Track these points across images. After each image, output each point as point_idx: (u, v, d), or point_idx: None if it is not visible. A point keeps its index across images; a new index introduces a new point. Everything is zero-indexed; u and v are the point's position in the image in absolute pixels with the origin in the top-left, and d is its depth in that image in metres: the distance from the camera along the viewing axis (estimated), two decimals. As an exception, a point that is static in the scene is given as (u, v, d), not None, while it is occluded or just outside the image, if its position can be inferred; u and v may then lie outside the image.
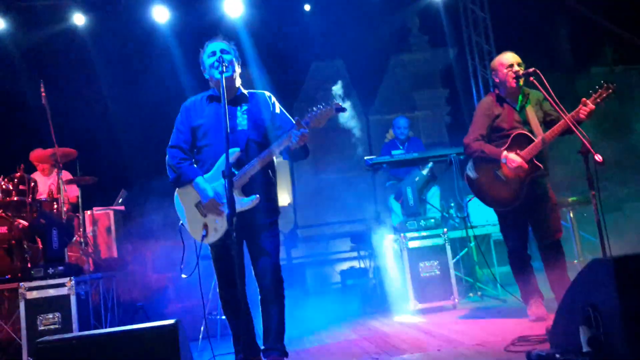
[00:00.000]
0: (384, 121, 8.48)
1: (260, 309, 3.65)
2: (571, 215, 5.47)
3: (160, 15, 8.27)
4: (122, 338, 2.66)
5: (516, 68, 4.40)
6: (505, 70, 4.44)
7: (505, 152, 4.32)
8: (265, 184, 3.61)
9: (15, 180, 5.61)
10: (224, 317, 3.79)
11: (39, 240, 5.45)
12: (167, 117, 3.87)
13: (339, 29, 9.11)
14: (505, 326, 4.26)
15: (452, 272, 5.50)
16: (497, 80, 4.55)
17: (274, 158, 3.71)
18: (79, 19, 8.20)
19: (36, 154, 6.65)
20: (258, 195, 3.44)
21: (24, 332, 4.69)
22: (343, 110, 3.41)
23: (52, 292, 4.80)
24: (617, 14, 8.92)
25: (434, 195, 6.74)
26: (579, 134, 3.92)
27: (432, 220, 5.70)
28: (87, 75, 8.40)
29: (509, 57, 4.47)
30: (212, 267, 3.70)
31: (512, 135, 4.36)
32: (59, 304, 4.78)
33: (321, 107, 3.40)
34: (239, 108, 3.67)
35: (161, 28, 8.32)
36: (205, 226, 3.49)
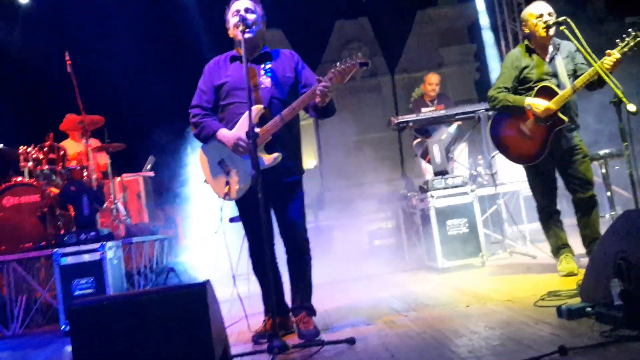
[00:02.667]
0: (411, 79, 8.33)
1: (287, 268, 3.68)
2: (603, 169, 5.34)
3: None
4: (152, 299, 2.70)
5: (546, 18, 4.26)
6: (535, 21, 4.31)
7: (528, 99, 4.24)
8: (289, 142, 3.58)
9: (45, 149, 5.71)
10: (253, 277, 3.82)
11: (70, 207, 5.56)
12: (193, 80, 3.85)
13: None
14: (534, 282, 4.22)
15: (480, 229, 5.46)
16: (527, 30, 4.43)
17: (300, 118, 3.68)
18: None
19: (65, 121, 6.73)
20: (280, 153, 3.42)
21: (60, 297, 4.83)
22: (366, 64, 3.34)
23: (85, 257, 4.90)
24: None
25: (461, 152, 6.65)
26: (610, 83, 3.80)
27: (460, 178, 5.64)
28: (112, 43, 8.42)
29: (540, 7, 4.33)
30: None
31: (537, 87, 4.26)
32: (93, 269, 4.88)
33: (345, 62, 3.36)
34: (262, 66, 3.63)
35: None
36: (228, 183, 3.50)
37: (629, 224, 2.74)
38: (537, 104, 4.21)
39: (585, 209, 4.33)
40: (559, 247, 4.44)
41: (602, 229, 3.10)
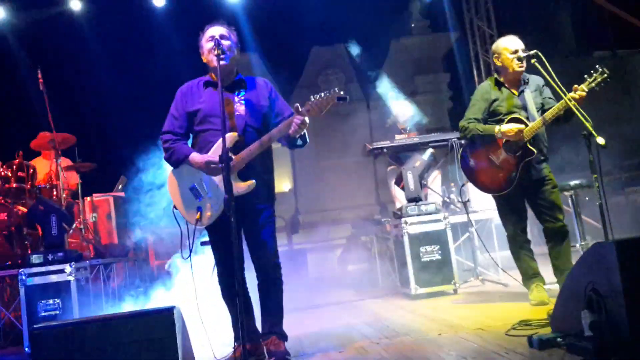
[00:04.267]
0: (385, 106, 8.41)
1: (258, 294, 3.63)
2: (573, 199, 5.43)
3: (158, -1, 8.19)
4: (119, 323, 2.65)
5: (521, 54, 4.35)
6: (510, 56, 4.39)
7: (498, 126, 4.31)
8: (263, 170, 3.57)
9: (14, 167, 5.60)
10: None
11: (38, 227, 5.44)
12: (166, 102, 3.82)
13: (340, 13, 9.03)
14: (506, 310, 4.24)
15: (453, 256, 5.49)
16: (498, 64, 4.50)
17: (272, 145, 3.67)
18: (75, 5, 8.13)
19: (38, 138, 6.63)
20: (254, 180, 3.40)
21: (24, 318, 4.70)
22: (344, 99, 3.34)
23: (52, 278, 4.80)
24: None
25: (434, 180, 6.71)
26: (579, 116, 3.88)
27: (433, 205, 5.68)
28: (85, 62, 8.36)
29: (514, 42, 4.41)
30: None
31: (507, 119, 4.34)
32: (60, 290, 4.78)
33: (322, 95, 3.34)
34: (236, 94, 3.62)
35: (159, 12, 8.25)
36: (200, 209, 3.46)
37: (598, 256, 2.77)
38: (508, 128, 4.27)
39: (557, 239, 4.37)
40: (530, 277, 4.47)
41: (573, 259, 3.13)
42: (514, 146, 4.31)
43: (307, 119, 3.35)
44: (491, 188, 4.51)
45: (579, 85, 4.07)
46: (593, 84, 4.08)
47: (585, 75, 4.10)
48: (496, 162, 4.41)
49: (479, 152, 4.50)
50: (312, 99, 3.34)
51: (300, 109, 3.34)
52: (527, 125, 4.26)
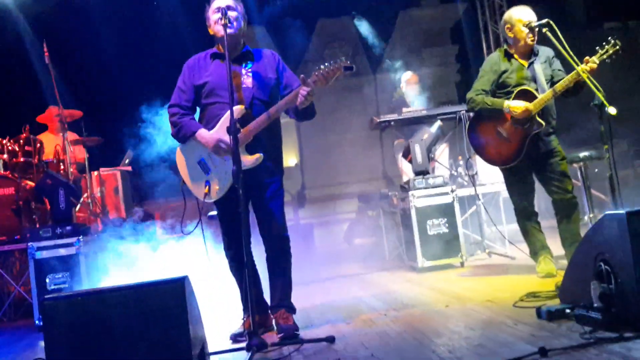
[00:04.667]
0: (392, 79, 8.32)
1: (267, 266, 3.65)
2: (582, 171, 5.39)
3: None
4: (129, 293, 2.65)
5: (532, 25, 4.28)
6: (523, 28, 4.31)
7: (507, 102, 4.27)
8: (270, 142, 3.55)
9: (21, 141, 5.59)
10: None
11: (46, 201, 5.45)
12: (173, 76, 3.80)
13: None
14: (514, 283, 4.24)
15: (460, 230, 5.48)
16: (510, 35, 4.42)
17: (280, 118, 3.65)
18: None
19: (47, 112, 6.62)
20: (261, 154, 3.39)
21: (34, 291, 4.75)
22: (351, 69, 3.30)
23: (60, 251, 4.82)
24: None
25: (442, 153, 6.67)
26: (592, 86, 3.83)
27: (441, 178, 5.65)
28: (91, 36, 8.29)
29: (528, 14, 4.34)
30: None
31: (517, 90, 4.29)
32: (68, 263, 4.81)
33: (329, 65, 3.30)
34: (243, 66, 3.59)
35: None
36: (208, 184, 3.46)
37: (609, 226, 2.75)
38: (516, 106, 4.23)
39: (565, 210, 4.34)
40: (538, 249, 4.46)
41: (582, 232, 3.12)
42: (522, 119, 4.27)
43: (314, 90, 3.32)
44: (499, 160, 4.47)
45: (590, 56, 4.01)
46: (604, 56, 4.01)
47: (597, 47, 4.04)
48: (504, 134, 4.37)
49: (487, 124, 4.46)
50: (319, 69, 3.31)
51: (306, 80, 3.31)
52: (536, 98, 4.21)
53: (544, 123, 4.24)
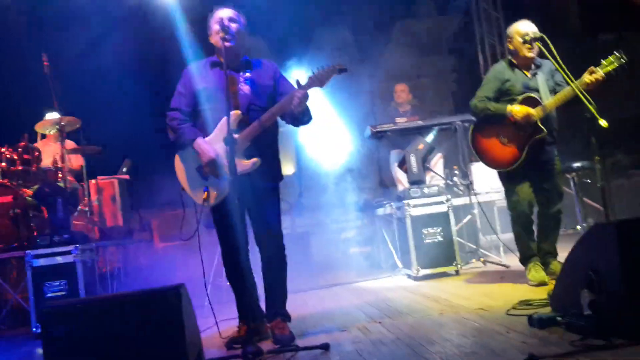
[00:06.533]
0: (390, 89, 8.39)
1: (262, 274, 3.68)
2: (575, 181, 5.45)
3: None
4: (126, 302, 2.69)
5: (529, 38, 4.37)
6: (520, 39, 4.42)
7: (510, 106, 4.34)
8: (267, 148, 3.61)
9: (20, 149, 5.63)
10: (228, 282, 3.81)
11: (44, 209, 5.49)
12: (171, 84, 3.85)
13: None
14: (507, 291, 4.29)
15: (455, 238, 5.54)
16: (511, 47, 4.55)
17: (278, 125, 3.71)
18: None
19: (42, 122, 6.65)
20: (258, 158, 3.44)
21: (31, 299, 4.76)
22: (345, 70, 3.40)
23: (58, 259, 4.85)
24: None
25: (437, 162, 6.73)
26: (584, 100, 3.90)
27: (436, 188, 5.71)
28: (90, 44, 8.33)
29: (526, 26, 4.46)
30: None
31: (522, 97, 4.37)
32: (65, 271, 4.83)
33: (323, 68, 3.40)
34: (242, 74, 3.66)
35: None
36: (207, 190, 3.50)
37: (599, 236, 2.81)
38: (519, 109, 4.31)
39: (548, 223, 4.50)
40: (528, 256, 4.51)
41: (573, 240, 3.16)
42: (524, 124, 4.33)
43: (308, 92, 3.38)
44: (499, 164, 4.53)
45: (595, 66, 4.07)
46: (609, 68, 4.07)
47: (602, 59, 4.09)
48: (505, 139, 4.44)
49: (489, 129, 4.53)
50: (314, 72, 3.40)
51: (300, 83, 3.38)
52: (540, 105, 4.29)
53: (545, 130, 4.31)
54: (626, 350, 2.42)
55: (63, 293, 4.81)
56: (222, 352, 3.45)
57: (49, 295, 4.79)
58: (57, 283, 4.83)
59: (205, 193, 3.49)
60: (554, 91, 4.43)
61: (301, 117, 3.56)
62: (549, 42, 4.15)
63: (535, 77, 4.46)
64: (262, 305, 3.75)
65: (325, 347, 3.15)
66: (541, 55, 4.38)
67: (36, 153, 5.74)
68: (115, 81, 8.27)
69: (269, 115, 3.47)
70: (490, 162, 4.58)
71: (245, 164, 3.42)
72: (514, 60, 4.55)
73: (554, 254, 4.52)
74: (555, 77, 4.49)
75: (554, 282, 3.69)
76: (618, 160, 8.06)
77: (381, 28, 10.00)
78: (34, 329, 4.68)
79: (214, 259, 5.33)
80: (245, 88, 3.60)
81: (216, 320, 3.71)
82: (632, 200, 7.22)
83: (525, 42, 4.38)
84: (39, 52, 5.76)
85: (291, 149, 10.09)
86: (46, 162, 6.04)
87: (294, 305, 3.80)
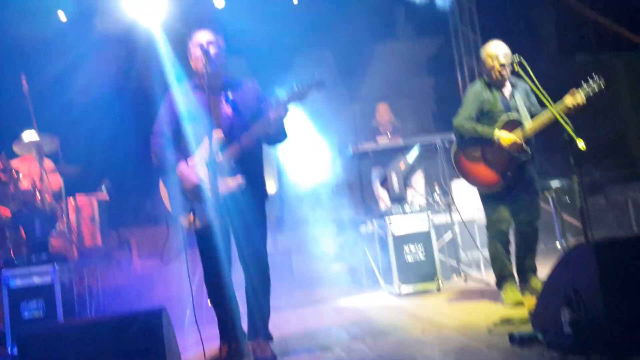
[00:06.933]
0: (370, 109, 8.46)
1: (245, 293, 3.66)
2: (554, 198, 5.53)
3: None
4: (106, 325, 2.66)
5: (501, 60, 4.42)
6: (491, 62, 4.47)
7: (497, 131, 4.36)
8: (253, 167, 3.61)
9: (-3, 169, 5.54)
10: (209, 304, 3.78)
11: (21, 228, 5.40)
12: (151, 101, 3.85)
13: (325, 18, 9.06)
14: (488, 308, 4.31)
15: (436, 256, 5.56)
16: (484, 69, 4.58)
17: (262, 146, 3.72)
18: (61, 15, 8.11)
19: (19, 141, 6.57)
20: (241, 176, 3.44)
21: (7, 320, 4.66)
22: (323, 84, 3.43)
23: (35, 280, 4.76)
24: (601, 1, 8.98)
25: (418, 180, 6.78)
26: (563, 123, 3.95)
27: (417, 206, 5.74)
28: (70, 64, 8.28)
29: (496, 47, 4.49)
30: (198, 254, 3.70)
31: (505, 121, 4.40)
32: (43, 292, 4.75)
33: (302, 83, 3.42)
34: (223, 95, 3.66)
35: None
36: (192, 213, 3.48)
37: (579, 256, 2.85)
38: (506, 137, 4.33)
39: (528, 239, 4.55)
40: (504, 276, 4.50)
41: (551, 256, 3.20)
42: (511, 151, 4.38)
43: (286, 109, 3.41)
44: (484, 184, 4.52)
45: (575, 88, 4.16)
46: (589, 90, 4.15)
47: (583, 82, 4.17)
48: (490, 159, 4.45)
49: (473, 149, 4.53)
50: (293, 87, 3.42)
51: (280, 99, 3.41)
52: (521, 125, 4.34)
53: (530, 152, 4.36)
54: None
55: (40, 313, 4.72)
56: (204, 373, 3.41)
57: (26, 315, 4.70)
58: (35, 303, 4.74)
59: (192, 216, 3.48)
60: (529, 111, 4.48)
61: (275, 135, 3.61)
62: (525, 63, 4.21)
63: (514, 97, 4.51)
64: (244, 324, 3.72)
65: (307, 367, 3.13)
66: (515, 74, 4.45)
67: (15, 175, 5.65)
68: (95, 99, 8.22)
69: (248, 136, 3.48)
70: (475, 182, 4.57)
71: (230, 184, 3.42)
72: (489, 81, 4.58)
73: (534, 270, 4.55)
74: (530, 98, 4.54)
75: (533, 298, 3.72)
76: (595, 178, 8.20)
77: (361, 50, 10.10)
78: (8, 350, 4.58)
79: (194, 278, 5.28)
80: (227, 110, 3.61)
81: (202, 341, 3.65)
82: (610, 217, 7.35)
83: (501, 65, 4.42)
84: (18, 72, 5.72)
85: (273, 167, 10.09)
86: (24, 182, 5.96)
87: (275, 323, 3.78)
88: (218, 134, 3.45)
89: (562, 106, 4.14)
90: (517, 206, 4.51)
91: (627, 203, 7.43)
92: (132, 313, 2.68)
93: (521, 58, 4.25)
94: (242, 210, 3.53)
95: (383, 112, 7.60)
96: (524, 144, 4.33)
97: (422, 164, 6.74)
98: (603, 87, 4.15)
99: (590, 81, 4.17)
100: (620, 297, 2.61)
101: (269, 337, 3.62)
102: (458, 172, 4.66)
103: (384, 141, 6.77)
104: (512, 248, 4.68)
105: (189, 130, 3.60)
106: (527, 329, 3.17)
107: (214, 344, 3.73)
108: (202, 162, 3.39)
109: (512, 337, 3.05)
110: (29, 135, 6.31)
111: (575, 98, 4.12)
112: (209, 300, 3.75)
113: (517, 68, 4.25)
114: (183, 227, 3.54)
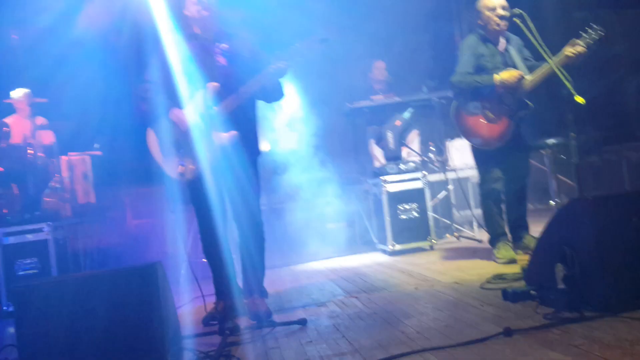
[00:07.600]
0: (365, 66, 8.35)
1: (239, 251, 3.66)
2: (549, 157, 5.52)
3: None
4: (102, 279, 2.66)
5: (499, 11, 4.34)
6: (488, 13, 4.38)
7: (497, 75, 4.27)
8: (246, 121, 3.56)
9: (-13, 124, 5.48)
10: (204, 259, 3.78)
11: (14, 186, 5.37)
12: (144, 57, 3.77)
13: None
14: (481, 265, 4.34)
15: (430, 214, 5.58)
16: (480, 22, 4.49)
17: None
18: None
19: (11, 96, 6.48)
20: (236, 131, 3.40)
21: (2, 277, 4.69)
22: (326, 40, 3.36)
23: (29, 237, 4.77)
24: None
25: (413, 139, 6.74)
26: (561, 77, 3.90)
27: (412, 164, 5.73)
28: (64, 15, 8.09)
29: (494, 0, 4.40)
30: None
31: (506, 70, 4.32)
32: (37, 249, 4.77)
33: (303, 41, 3.37)
34: (217, 45, 3.59)
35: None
36: (182, 163, 3.44)
37: (573, 212, 2.85)
38: (509, 74, 4.23)
39: (519, 196, 4.56)
40: (498, 234, 4.51)
41: (546, 215, 3.21)
42: (511, 98, 4.31)
43: (286, 65, 3.36)
44: (486, 142, 4.44)
45: (576, 39, 4.07)
46: (589, 39, 4.07)
47: (581, 32, 4.08)
48: (492, 115, 4.38)
49: (473, 105, 4.44)
50: (295, 44, 3.37)
51: (280, 54, 3.35)
52: (522, 81, 4.27)
53: (532, 104, 4.29)
54: (597, 322, 2.47)
55: (35, 271, 4.74)
56: (200, 327, 3.44)
57: (20, 273, 4.72)
58: (29, 261, 4.76)
59: (182, 166, 3.44)
60: (525, 65, 4.42)
61: (272, 92, 3.55)
62: (527, 18, 4.14)
63: (508, 51, 4.45)
64: (239, 281, 3.74)
65: (302, 322, 3.16)
66: (510, 29, 4.37)
67: (5, 129, 5.59)
68: (87, 55, 8.07)
69: (247, 88, 3.42)
70: (477, 140, 4.49)
71: (223, 137, 3.37)
72: (485, 35, 4.49)
73: (526, 227, 4.57)
74: (523, 52, 4.48)
75: (527, 256, 3.74)
76: (590, 137, 8.18)
77: (358, 5, 9.91)
78: (4, 307, 4.60)
79: (189, 235, 5.29)
80: (222, 60, 3.54)
81: (202, 293, 3.67)
82: (604, 177, 7.36)
83: (500, 17, 4.34)
84: (7, 27, 5.60)
85: (268, 125, 10.01)
86: (16, 138, 5.89)
87: (270, 281, 3.80)
88: (213, 86, 3.39)
89: (561, 57, 4.07)
90: (508, 163, 4.47)
91: (620, 163, 7.43)
92: (129, 267, 2.68)
93: (523, 13, 4.17)
94: (235, 164, 3.49)
95: (381, 70, 7.49)
96: (527, 91, 4.26)
97: (417, 122, 6.70)
98: (602, 34, 4.07)
99: (590, 30, 4.09)
100: (614, 253, 2.63)
101: (264, 294, 3.64)
102: (458, 129, 4.59)
103: (379, 99, 6.71)
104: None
105: (182, 80, 3.53)
106: (520, 285, 3.20)
107: (208, 300, 3.75)
108: (197, 113, 3.34)
109: (505, 293, 3.07)
110: (18, 92, 6.22)
111: (575, 48, 4.05)
112: (204, 256, 3.75)
113: (518, 22, 4.17)
114: (172, 177, 3.49)
